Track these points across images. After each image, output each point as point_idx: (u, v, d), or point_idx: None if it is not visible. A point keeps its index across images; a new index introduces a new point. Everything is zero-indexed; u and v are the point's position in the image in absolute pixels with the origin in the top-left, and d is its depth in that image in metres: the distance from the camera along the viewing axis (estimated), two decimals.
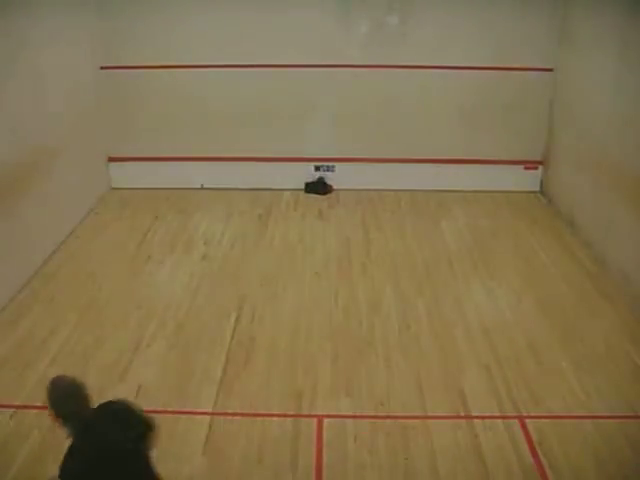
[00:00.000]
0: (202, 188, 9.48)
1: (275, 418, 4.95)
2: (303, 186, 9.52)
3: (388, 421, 4.93)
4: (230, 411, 5.06)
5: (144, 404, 5.09)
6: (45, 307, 6.47)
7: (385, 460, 4.53)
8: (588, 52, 8.04)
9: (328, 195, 9.40)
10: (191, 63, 8.91)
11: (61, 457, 3.12)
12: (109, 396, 5.15)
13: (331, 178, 9.54)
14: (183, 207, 8.93)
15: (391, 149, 9.36)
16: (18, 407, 5.05)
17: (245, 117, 9.21)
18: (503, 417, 4.98)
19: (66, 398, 3.09)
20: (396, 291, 6.81)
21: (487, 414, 5.02)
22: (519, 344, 5.90)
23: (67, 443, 3.14)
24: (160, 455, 4.56)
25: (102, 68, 8.97)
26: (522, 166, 9.47)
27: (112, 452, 2.95)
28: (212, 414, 5.01)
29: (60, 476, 3.03)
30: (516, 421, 4.94)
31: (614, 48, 7.31)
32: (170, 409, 5.06)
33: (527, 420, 4.95)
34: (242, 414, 5.00)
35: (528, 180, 9.49)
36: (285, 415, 4.99)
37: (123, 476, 3.01)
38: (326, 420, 4.91)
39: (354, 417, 4.97)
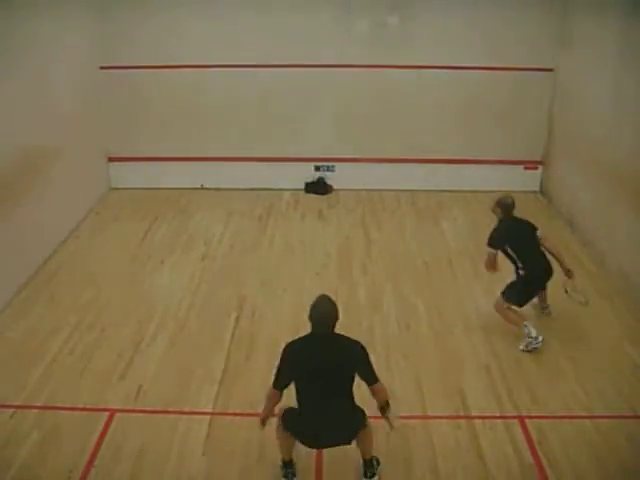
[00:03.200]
0: (202, 188, 9.49)
1: (275, 418, 4.94)
2: (303, 186, 9.52)
3: None
4: (230, 411, 5.06)
5: (144, 404, 5.13)
6: (45, 307, 6.47)
7: (385, 460, 4.52)
8: (588, 52, 8.04)
9: (328, 195, 9.40)
10: (191, 63, 8.92)
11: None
12: (109, 396, 5.19)
13: (331, 178, 9.55)
14: (183, 207, 8.94)
15: (391, 149, 9.37)
16: (18, 407, 5.05)
17: (245, 117, 9.21)
18: (503, 417, 4.98)
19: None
20: (396, 291, 6.81)
21: (487, 414, 5.02)
22: (519, 344, 5.90)
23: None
24: (160, 455, 4.59)
25: (102, 68, 8.97)
26: (522, 166, 9.47)
27: None
28: (212, 414, 5.01)
29: None
30: (516, 421, 4.94)
31: (614, 48, 7.32)
32: (170, 409, 5.06)
33: (527, 420, 4.95)
34: (242, 414, 5.00)
35: (528, 180, 9.48)
36: None
37: None
38: None
39: None
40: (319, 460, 4.54)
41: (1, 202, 6.39)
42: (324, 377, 3.95)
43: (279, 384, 4.06)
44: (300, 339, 4.10)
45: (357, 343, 4.06)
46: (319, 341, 4.00)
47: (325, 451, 4.51)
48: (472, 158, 9.35)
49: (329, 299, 4.06)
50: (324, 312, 3.97)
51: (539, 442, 4.73)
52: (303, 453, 4.54)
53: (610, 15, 7.38)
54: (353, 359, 4.01)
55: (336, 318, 4.00)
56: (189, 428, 4.86)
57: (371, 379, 4.03)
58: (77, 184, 8.28)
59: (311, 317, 3.99)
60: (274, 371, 4.07)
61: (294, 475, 4.32)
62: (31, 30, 7.00)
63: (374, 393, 4.05)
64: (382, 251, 7.74)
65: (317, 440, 4.16)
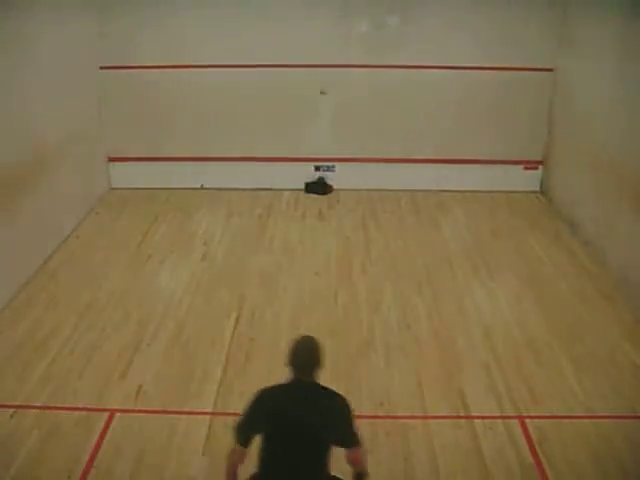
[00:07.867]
0: (202, 188, 9.49)
1: None
2: (303, 186, 9.52)
3: (388, 421, 4.93)
4: (230, 411, 5.05)
5: (144, 404, 5.13)
6: (45, 307, 6.47)
7: (385, 460, 4.52)
8: (588, 52, 8.04)
9: (328, 195, 9.41)
10: (191, 63, 8.91)
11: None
12: (109, 396, 5.19)
13: (331, 178, 9.55)
14: (183, 207, 8.93)
15: (391, 149, 9.37)
16: (18, 407, 5.04)
17: (245, 117, 9.21)
18: (503, 417, 4.98)
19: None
20: (396, 291, 6.81)
21: (487, 414, 5.02)
22: (519, 344, 5.90)
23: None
24: (160, 455, 4.59)
25: (102, 68, 8.97)
26: (522, 166, 9.47)
27: None
28: (212, 414, 5.01)
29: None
30: (516, 421, 4.94)
31: (614, 48, 7.32)
32: (170, 409, 5.06)
33: (527, 420, 4.95)
34: None
35: (528, 180, 9.49)
36: None
37: None
38: None
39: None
40: None
41: (1, 201, 6.39)
42: (298, 439, 3.25)
43: (243, 437, 3.30)
44: (277, 387, 3.41)
45: (340, 399, 3.39)
46: (298, 393, 3.35)
47: None
48: (472, 158, 9.35)
49: (312, 341, 3.46)
50: (305, 358, 3.37)
51: (539, 442, 4.72)
52: None
53: (610, 15, 7.38)
54: (334, 421, 3.32)
55: (318, 364, 3.37)
56: (189, 428, 4.86)
57: (349, 442, 3.32)
58: (77, 184, 8.28)
59: (291, 362, 3.38)
60: (238, 420, 3.38)
61: None
62: (31, 30, 6.99)
63: (350, 459, 3.33)
64: (382, 251, 7.74)
65: None
